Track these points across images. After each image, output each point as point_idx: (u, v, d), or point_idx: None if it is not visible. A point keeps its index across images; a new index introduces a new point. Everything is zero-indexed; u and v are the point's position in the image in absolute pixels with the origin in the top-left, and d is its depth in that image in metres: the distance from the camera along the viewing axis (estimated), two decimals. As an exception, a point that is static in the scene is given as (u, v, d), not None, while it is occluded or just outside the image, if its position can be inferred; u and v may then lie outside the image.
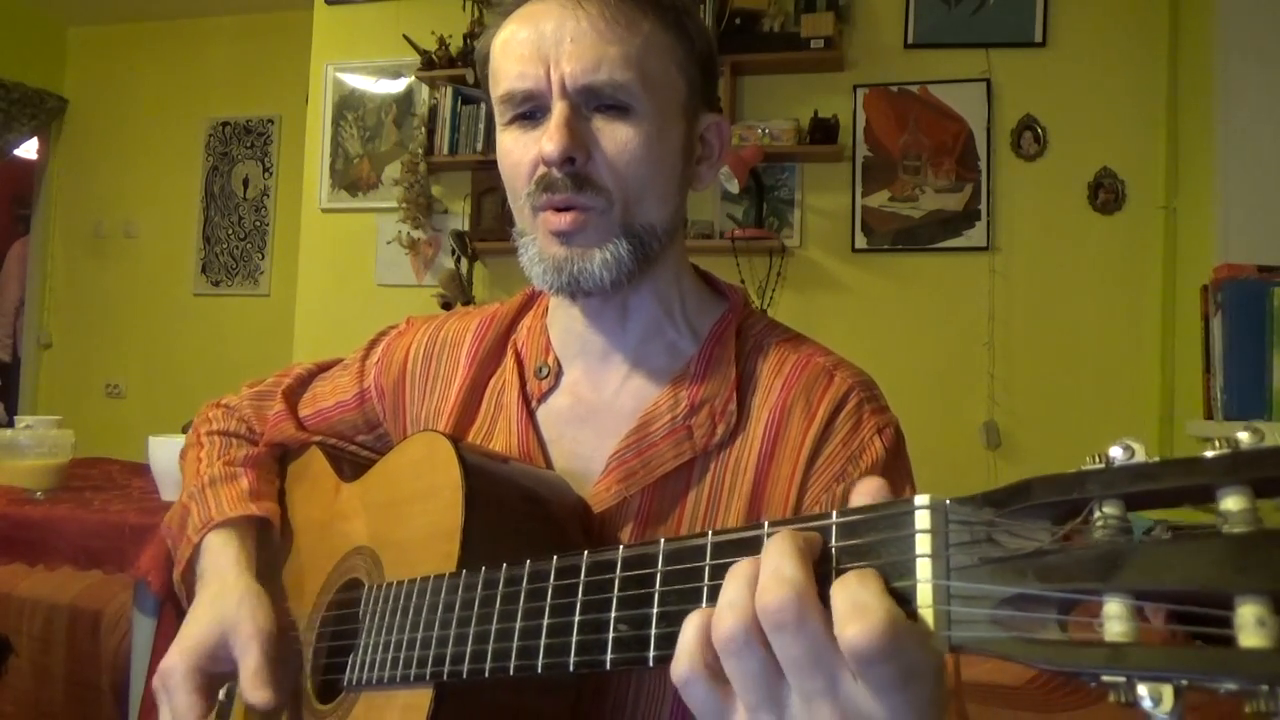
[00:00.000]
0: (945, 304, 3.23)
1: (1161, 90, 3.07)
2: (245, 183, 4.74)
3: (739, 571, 0.42)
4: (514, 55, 0.69)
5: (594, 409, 0.76)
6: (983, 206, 3.22)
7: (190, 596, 0.83)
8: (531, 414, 0.77)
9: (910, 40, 3.31)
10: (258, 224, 4.71)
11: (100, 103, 4.96)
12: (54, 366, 4.99)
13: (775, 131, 3.26)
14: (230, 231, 4.74)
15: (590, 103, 0.69)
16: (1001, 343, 3.15)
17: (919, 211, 3.27)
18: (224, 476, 0.86)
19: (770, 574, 0.40)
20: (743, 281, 3.26)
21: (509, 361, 0.81)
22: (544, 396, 0.78)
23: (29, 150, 5.14)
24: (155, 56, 4.88)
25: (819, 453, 0.71)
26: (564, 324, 0.79)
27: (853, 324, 3.27)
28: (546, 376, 0.78)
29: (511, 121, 0.71)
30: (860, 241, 3.32)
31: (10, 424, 2.32)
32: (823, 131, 3.26)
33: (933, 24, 3.29)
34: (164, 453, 1.86)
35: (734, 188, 3.13)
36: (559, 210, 0.69)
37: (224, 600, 0.76)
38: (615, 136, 0.69)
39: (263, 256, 4.69)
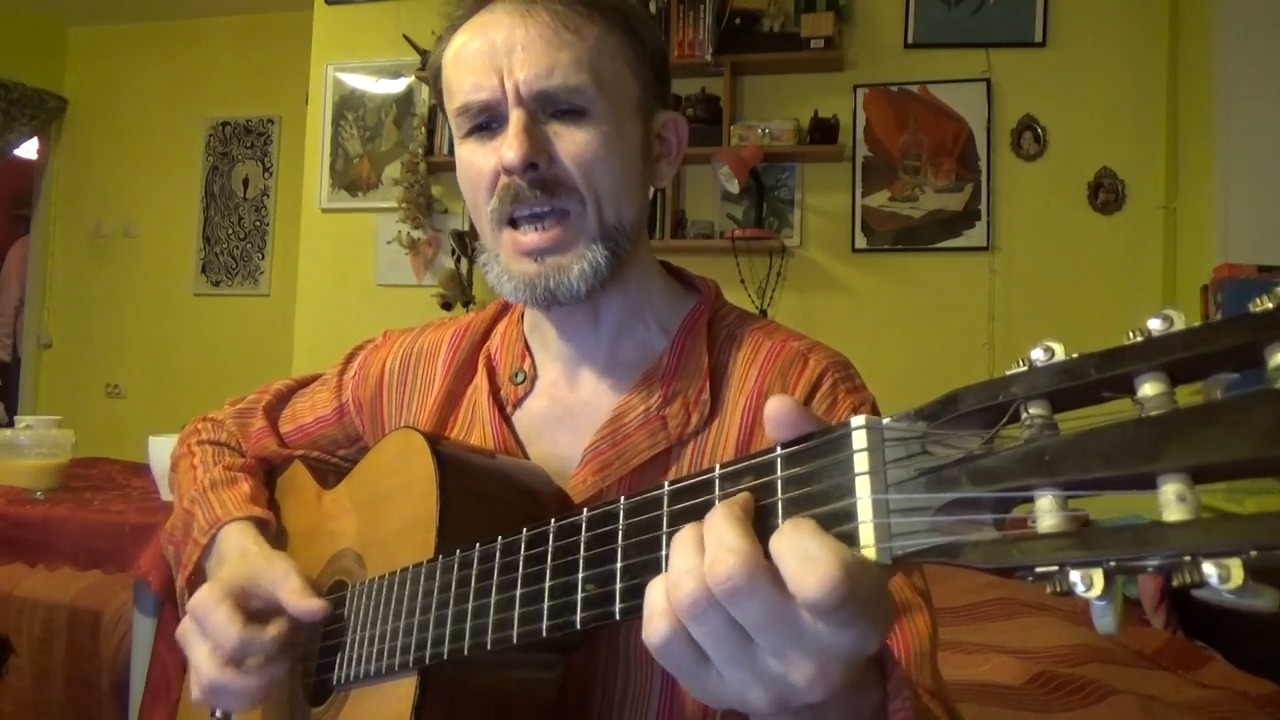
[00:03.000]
0: (945, 304, 3.23)
1: (1161, 90, 3.07)
2: (245, 183, 4.74)
3: (685, 539, 0.43)
4: (466, 67, 0.70)
5: (571, 409, 0.77)
6: (983, 206, 3.22)
7: None
8: (506, 419, 0.78)
9: (910, 40, 3.31)
10: (258, 224, 4.71)
11: (100, 103, 4.96)
12: (54, 366, 4.99)
13: (775, 131, 3.26)
14: (230, 231, 4.74)
15: (546, 108, 0.69)
16: (1001, 343, 3.15)
17: (919, 211, 3.27)
18: (224, 481, 0.86)
19: (715, 544, 0.41)
20: (742, 281, 3.26)
21: (480, 370, 0.82)
22: (520, 401, 0.79)
23: (29, 150, 5.14)
24: (155, 56, 4.88)
25: None
26: (539, 330, 0.81)
27: (853, 324, 3.27)
28: (523, 381, 0.80)
29: (469, 134, 0.72)
30: (860, 241, 3.32)
31: (10, 424, 2.32)
32: (823, 131, 3.26)
33: (933, 24, 3.29)
34: (164, 453, 1.86)
35: (734, 188, 3.13)
36: (533, 219, 0.69)
37: (249, 556, 0.76)
38: (574, 139, 0.69)
39: (263, 256, 4.69)
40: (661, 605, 0.43)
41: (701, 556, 0.42)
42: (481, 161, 0.71)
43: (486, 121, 0.71)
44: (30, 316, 5.04)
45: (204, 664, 0.68)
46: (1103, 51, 3.15)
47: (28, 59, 4.83)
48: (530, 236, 0.70)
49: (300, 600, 0.69)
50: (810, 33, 3.23)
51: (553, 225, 0.69)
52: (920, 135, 3.28)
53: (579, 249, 0.70)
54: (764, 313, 3.31)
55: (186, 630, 0.71)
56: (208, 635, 0.69)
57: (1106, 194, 3.12)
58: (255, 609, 0.71)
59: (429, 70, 0.77)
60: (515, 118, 0.68)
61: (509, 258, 0.71)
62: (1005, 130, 3.22)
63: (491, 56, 0.69)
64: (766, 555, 0.40)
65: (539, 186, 0.68)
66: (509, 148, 0.67)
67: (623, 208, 0.72)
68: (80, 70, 5.03)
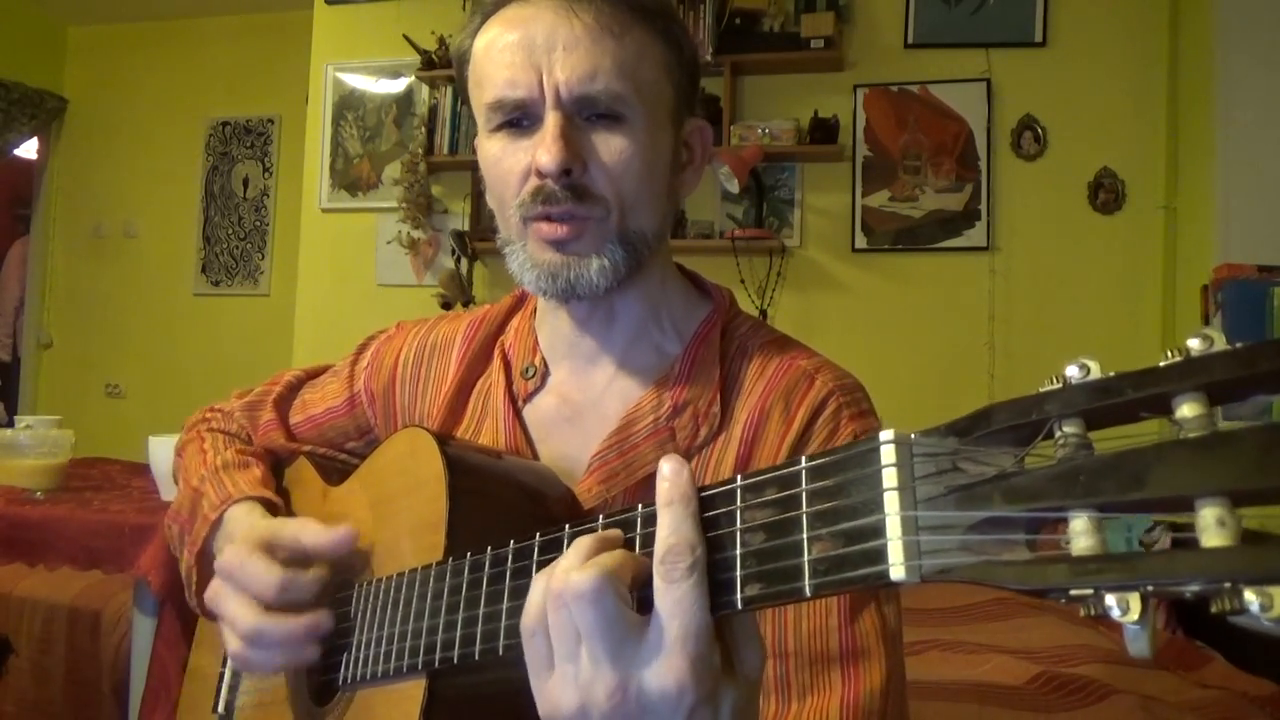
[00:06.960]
0: (945, 304, 3.23)
1: (1161, 90, 3.07)
2: (245, 183, 4.74)
3: (583, 542, 0.48)
4: (503, 61, 0.68)
5: (580, 409, 0.76)
6: (983, 206, 3.22)
7: (201, 584, 0.80)
8: (518, 414, 0.78)
9: (910, 40, 3.31)
10: (258, 224, 4.71)
11: (100, 103, 4.96)
12: (54, 366, 4.99)
13: (775, 131, 3.26)
14: (230, 231, 4.74)
15: (584, 111, 0.68)
16: (1001, 343, 3.15)
17: (919, 211, 3.27)
18: (237, 463, 0.85)
19: (581, 559, 0.47)
20: (742, 281, 3.26)
21: (496, 362, 0.81)
22: (530, 396, 0.79)
23: (29, 150, 5.13)
24: (155, 56, 4.88)
25: None
26: (552, 326, 0.80)
27: (853, 324, 3.27)
28: (533, 377, 0.79)
29: (499, 129, 0.70)
30: (860, 241, 3.32)
31: (10, 424, 2.32)
32: (823, 131, 3.26)
33: (933, 24, 3.29)
34: (164, 453, 1.86)
35: (734, 188, 3.13)
36: (554, 220, 0.68)
37: (260, 527, 0.74)
38: (611, 147, 0.68)
39: (263, 256, 4.69)
40: (537, 596, 0.48)
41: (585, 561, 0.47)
42: (511, 160, 0.70)
43: (519, 119, 0.69)
44: (30, 316, 5.04)
45: (241, 614, 0.66)
46: (1103, 51, 3.14)
47: (28, 59, 4.82)
48: (554, 226, 0.69)
49: (325, 536, 0.67)
50: (810, 33, 3.23)
51: (574, 221, 0.69)
52: (920, 135, 3.28)
53: (597, 246, 0.69)
54: (764, 313, 3.31)
55: (217, 592, 0.69)
56: (244, 587, 0.67)
57: (1106, 194, 3.12)
58: (283, 560, 0.69)
59: (453, 55, 0.76)
60: (553, 120, 0.67)
61: (534, 246, 0.70)
62: (1005, 130, 3.22)
63: (530, 53, 0.67)
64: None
65: (569, 190, 0.67)
66: (546, 152, 0.66)
67: (645, 216, 0.71)
68: (80, 70, 5.02)
